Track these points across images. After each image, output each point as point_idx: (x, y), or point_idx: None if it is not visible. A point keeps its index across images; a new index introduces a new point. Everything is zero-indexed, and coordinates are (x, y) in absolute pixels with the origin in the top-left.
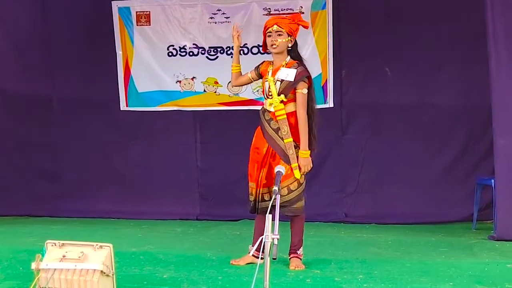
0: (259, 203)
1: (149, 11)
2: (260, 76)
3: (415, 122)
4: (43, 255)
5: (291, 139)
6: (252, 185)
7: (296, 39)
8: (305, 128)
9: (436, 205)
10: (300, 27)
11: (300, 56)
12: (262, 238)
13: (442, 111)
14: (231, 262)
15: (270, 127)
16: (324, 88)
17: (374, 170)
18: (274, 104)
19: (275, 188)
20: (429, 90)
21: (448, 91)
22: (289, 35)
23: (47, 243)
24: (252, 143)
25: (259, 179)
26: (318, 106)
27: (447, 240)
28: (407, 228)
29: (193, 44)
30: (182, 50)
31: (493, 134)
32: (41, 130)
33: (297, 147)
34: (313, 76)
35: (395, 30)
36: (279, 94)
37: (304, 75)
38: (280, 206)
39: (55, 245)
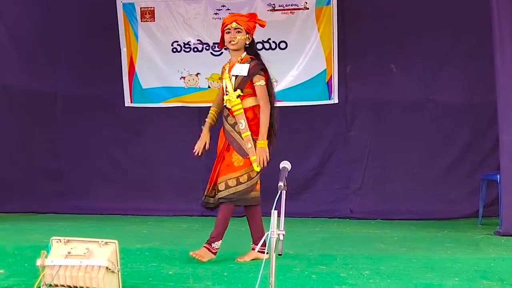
0: (211, 198)
1: (154, 7)
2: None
3: (420, 119)
4: (48, 252)
5: (249, 133)
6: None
7: (253, 37)
8: (266, 119)
9: (441, 202)
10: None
11: (258, 53)
12: (268, 234)
13: (447, 107)
14: (236, 260)
15: (228, 122)
16: (329, 84)
17: (379, 166)
18: (230, 99)
19: (281, 184)
20: (434, 87)
21: (453, 87)
22: (247, 33)
23: (52, 239)
24: (217, 141)
25: (214, 175)
26: (323, 102)
27: (453, 236)
28: (412, 224)
29: (198, 40)
30: (187, 46)
31: (498, 130)
32: (46, 127)
33: (254, 140)
34: (317, 72)
35: (399, 26)
36: (235, 90)
37: (258, 68)
38: (227, 198)
39: (60, 241)
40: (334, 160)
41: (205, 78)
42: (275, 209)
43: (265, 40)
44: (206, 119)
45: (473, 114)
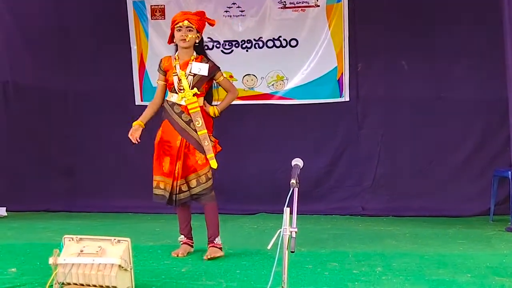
0: (177, 195)
1: (164, 5)
2: (165, 73)
3: (432, 116)
4: (60, 250)
5: (205, 131)
6: (160, 178)
7: (202, 36)
8: (231, 99)
9: (453, 200)
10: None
11: (205, 52)
12: (280, 231)
13: (459, 104)
14: (172, 254)
15: (182, 119)
16: (340, 81)
17: (390, 164)
18: (186, 97)
19: (293, 181)
20: (445, 84)
21: (464, 84)
22: (197, 32)
23: (64, 237)
24: (159, 137)
25: (176, 172)
26: (334, 100)
27: (465, 232)
28: (424, 220)
29: (208, 37)
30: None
31: (510, 127)
32: (56, 125)
33: (209, 137)
34: (328, 70)
35: (411, 23)
36: (192, 88)
37: (216, 68)
38: (200, 194)
39: (73, 239)
40: (346, 158)
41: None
42: (287, 207)
43: (275, 37)
44: (142, 118)
45: (485, 112)
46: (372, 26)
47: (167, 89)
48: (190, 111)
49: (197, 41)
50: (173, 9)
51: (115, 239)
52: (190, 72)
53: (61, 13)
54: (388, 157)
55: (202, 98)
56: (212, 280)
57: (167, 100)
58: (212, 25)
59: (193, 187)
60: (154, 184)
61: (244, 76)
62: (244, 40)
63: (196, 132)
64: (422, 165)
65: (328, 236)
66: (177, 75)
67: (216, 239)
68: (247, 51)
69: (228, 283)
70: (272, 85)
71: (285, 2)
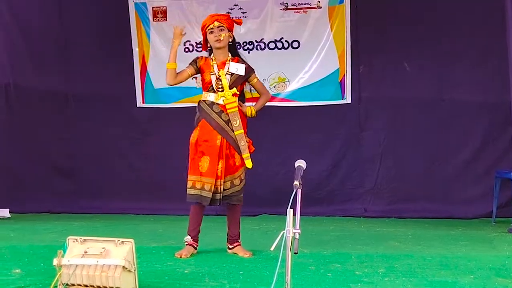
0: (220, 194)
1: (166, 7)
2: (198, 71)
3: (434, 118)
4: (64, 251)
5: (242, 131)
6: (196, 178)
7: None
8: (265, 101)
9: (456, 202)
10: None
11: (239, 53)
12: (283, 233)
13: (461, 106)
14: (175, 255)
15: (221, 119)
16: (342, 83)
17: (392, 165)
18: (226, 97)
19: (296, 182)
20: (448, 85)
21: (467, 86)
22: (229, 30)
23: (68, 239)
24: (196, 136)
25: (218, 171)
26: (336, 102)
27: (467, 234)
28: (426, 222)
29: None
30: (199, 45)
31: None
32: (58, 126)
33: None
34: (330, 72)
35: (413, 24)
36: (230, 88)
37: (251, 69)
38: (230, 196)
39: (77, 241)
40: (348, 159)
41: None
42: (290, 208)
43: (277, 39)
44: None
45: (488, 113)
46: (374, 27)
47: (203, 88)
48: (229, 111)
49: (230, 40)
50: (174, 10)
51: (118, 240)
52: (228, 72)
53: (62, 15)
54: (390, 159)
55: (237, 98)
56: (215, 281)
57: (204, 100)
58: (239, 24)
59: (226, 189)
60: (189, 184)
61: None
62: (246, 42)
63: (233, 131)
64: (425, 167)
65: (330, 237)
66: (215, 74)
67: (239, 238)
68: (248, 52)
69: (231, 284)
70: (274, 87)
71: (287, 3)
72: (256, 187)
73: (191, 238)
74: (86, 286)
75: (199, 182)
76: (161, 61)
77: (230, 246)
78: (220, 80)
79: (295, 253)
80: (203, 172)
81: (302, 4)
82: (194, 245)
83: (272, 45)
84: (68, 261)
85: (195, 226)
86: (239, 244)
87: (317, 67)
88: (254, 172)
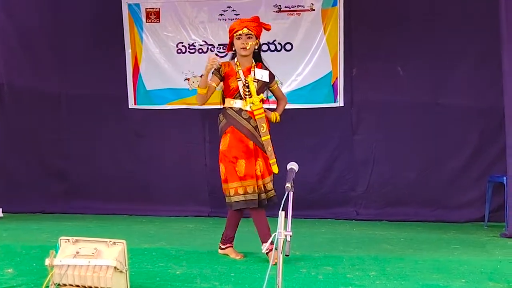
0: (264, 194)
1: (159, 8)
2: (223, 79)
3: (427, 122)
4: (56, 251)
5: (269, 136)
6: (238, 184)
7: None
8: (285, 106)
9: (448, 207)
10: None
11: (262, 58)
12: (275, 235)
13: (455, 111)
14: (235, 257)
15: (250, 125)
16: (334, 86)
17: (384, 170)
18: (254, 103)
19: (288, 185)
20: (441, 90)
21: (460, 91)
22: (256, 38)
23: (60, 239)
24: (227, 144)
25: (257, 171)
26: (328, 105)
27: (459, 238)
28: (419, 225)
29: (203, 41)
30: (192, 47)
31: (506, 134)
32: (51, 127)
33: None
34: (323, 74)
35: (407, 28)
36: (257, 94)
37: (273, 76)
38: (270, 198)
39: (69, 241)
40: (340, 163)
41: (210, 79)
42: (282, 210)
43: (270, 41)
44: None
45: (482, 118)
46: (368, 30)
47: (227, 95)
48: (256, 117)
49: (256, 47)
50: (168, 12)
51: (110, 241)
52: (254, 78)
53: (56, 16)
54: (382, 163)
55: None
56: (207, 283)
57: (231, 107)
58: (268, 29)
59: (270, 190)
60: (232, 192)
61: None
62: None
63: (261, 137)
64: (417, 171)
65: (322, 240)
66: (241, 80)
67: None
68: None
69: (222, 286)
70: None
71: (280, 6)
72: None
73: (230, 242)
74: (78, 286)
75: (241, 188)
76: (154, 62)
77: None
78: (248, 86)
79: (287, 256)
80: (242, 176)
81: (295, 6)
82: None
83: (265, 47)
84: (60, 261)
85: (235, 230)
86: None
87: (310, 70)
88: None
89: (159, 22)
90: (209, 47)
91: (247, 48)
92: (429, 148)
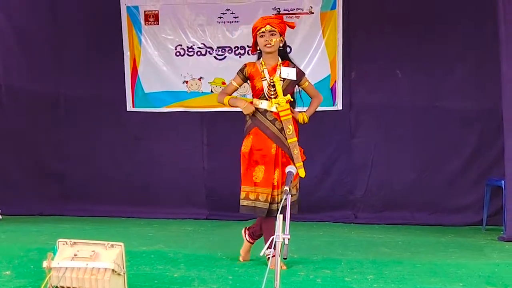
0: (278, 204)
1: (158, 11)
2: (246, 79)
3: (426, 125)
4: (54, 254)
5: (296, 139)
6: (250, 189)
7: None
8: (317, 106)
9: (446, 210)
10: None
11: (289, 56)
12: (273, 238)
13: (453, 114)
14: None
15: (275, 127)
16: (333, 89)
17: (383, 173)
18: (280, 103)
19: (286, 188)
20: (440, 93)
21: (459, 94)
22: (280, 35)
23: (58, 241)
24: (249, 145)
25: (275, 180)
26: (327, 108)
27: (457, 241)
28: (417, 229)
29: (201, 44)
30: (190, 50)
31: (504, 137)
32: (49, 129)
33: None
34: (321, 78)
35: (406, 31)
36: (284, 94)
37: (302, 73)
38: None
39: (67, 243)
40: (338, 166)
41: (208, 82)
42: (280, 213)
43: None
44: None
45: (480, 121)
46: (366, 34)
47: (254, 95)
48: (282, 118)
49: (281, 44)
50: (167, 14)
51: (108, 244)
52: (280, 77)
53: (55, 18)
54: (381, 166)
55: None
56: (205, 286)
57: (257, 108)
58: (292, 27)
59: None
60: (243, 195)
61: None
62: (237, 47)
63: (287, 139)
64: (415, 175)
65: (320, 243)
66: (266, 80)
67: None
68: (240, 57)
69: None
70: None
71: (279, 8)
72: None
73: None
74: None
75: (253, 193)
76: (152, 65)
77: (248, 238)
78: (273, 86)
79: (285, 259)
80: (258, 182)
81: (294, 9)
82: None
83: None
84: (58, 263)
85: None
86: (251, 244)
87: (309, 73)
88: None
89: (158, 24)
90: (208, 49)
91: (272, 44)
92: (427, 151)
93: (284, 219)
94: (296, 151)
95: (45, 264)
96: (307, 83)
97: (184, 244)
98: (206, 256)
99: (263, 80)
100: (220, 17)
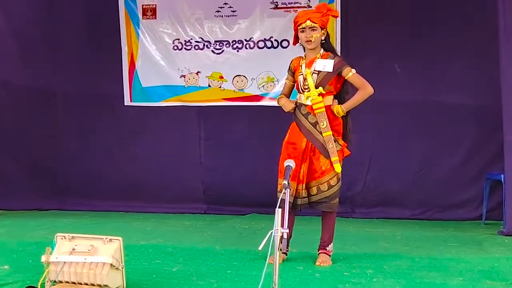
0: (303, 199)
1: (156, 4)
2: (293, 74)
3: (425, 120)
4: (53, 248)
5: (331, 133)
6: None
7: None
8: (361, 97)
9: (446, 206)
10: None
11: (334, 48)
12: (271, 232)
13: (452, 109)
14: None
15: (308, 121)
16: None
17: (381, 169)
18: (312, 97)
19: (285, 182)
20: (438, 88)
21: (458, 89)
22: (322, 29)
23: (57, 236)
24: (286, 138)
25: (300, 175)
26: None
27: (456, 235)
28: (416, 223)
29: (199, 38)
30: (188, 44)
31: (503, 132)
32: (46, 124)
33: (336, 141)
34: None
35: (404, 26)
36: (316, 87)
37: (344, 63)
38: (319, 202)
39: (65, 238)
40: None
41: (206, 76)
42: (278, 207)
43: (267, 38)
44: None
45: (479, 116)
46: (365, 28)
47: (296, 90)
48: (315, 112)
49: (322, 38)
50: (164, 8)
51: (107, 238)
52: (314, 70)
53: (51, 12)
54: (379, 162)
55: (331, 97)
56: (203, 280)
57: (296, 102)
58: (336, 16)
59: (313, 195)
60: (279, 188)
61: (234, 77)
62: (235, 41)
63: (321, 134)
64: (414, 170)
65: (319, 237)
66: (302, 74)
67: (329, 246)
68: (238, 51)
69: (219, 283)
70: (263, 86)
71: (277, 2)
72: (245, 186)
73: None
74: (74, 283)
75: (281, 186)
76: (150, 59)
77: (318, 252)
78: (306, 79)
79: (283, 253)
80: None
81: (292, 3)
82: (285, 251)
83: (261, 44)
84: (56, 258)
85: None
86: (323, 252)
87: None
88: (242, 171)
89: (156, 18)
90: (206, 43)
91: (312, 41)
92: (426, 146)
93: (283, 213)
94: (331, 145)
95: (43, 258)
96: (350, 73)
97: (182, 238)
98: (205, 250)
99: (300, 75)
100: (218, 11)
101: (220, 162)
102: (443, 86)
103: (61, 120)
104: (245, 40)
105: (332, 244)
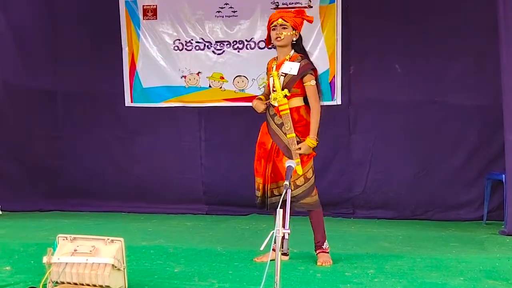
0: (268, 199)
1: (156, 5)
2: None
3: (426, 120)
4: (54, 249)
5: (294, 134)
6: (259, 180)
7: (301, 34)
8: (317, 117)
9: (447, 206)
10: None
11: (305, 50)
12: (273, 233)
13: (453, 109)
14: (255, 259)
15: (274, 122)
16: (332, 84)
17: (382, 169)
18: (278, 98)
19: (286, 182)
20: (440, 88)
21: (459, 89)
22: (293, 29)
23: (58, 237)
24: (258, 138)
25: (266, 174)
26: (325, 103)
27: (458, 235)
28: (417, 223)
29: (200, 38)
30: (188, 44)
31: (504, 132)
32: (47, 125)
33: (299, 142)
34: (320, 72)
35: (405, 25)
36: (282, 89)
37: (308, 68)
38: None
39: (67, 239)
40: (337, 162)
41: (206, 77)
42: (280, 208)
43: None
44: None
45: (480, 116)
46: (366, 28)
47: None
48: (281, 113)
49: (294, 38)
50: (165, 9)
51: (108, 239)
52: (281, 72)
53: (52, 12)
54: (380, 162)
55: (300, 98)
56: (205, 281)
57: (268, 102)
58: (310, 21)
59: (277, 195)
60: (256, 186)
61: (235, 78)
62: (235, 41)
63: (286, 135)
64: (415, 170)
65: None
66: (272, 75)
67: (324, 244)
68: (238, 52)
69: (220, 284)
70: (263, 87)
71: (277, 2)
72: (245, 187)
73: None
74: (76, 284)
75: (261, 185)
76: (151, 60)
77: (316, 253)
78: (275, 81)
79: (285, 254)
80: (257, 174)
81: (293, 3)
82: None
83: (262, 45)
84: (58, 259)
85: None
86: (321, 251)
87: None
88: (242, 171)
89: (156, 19)
90: (206, 44)
91: (281, 38)
92: (427, 146)
93: (284, 213)
94: (294, 147)
95: (45, 259)
96: (309, 83)
97: (184, 239)
98: (206, 251)
99: (270, 76)
100: (219, 12)
101: (221, 163)
102: (444, 86)
103: (62, 121)
104: (246, 40)
105: (326, 241)
